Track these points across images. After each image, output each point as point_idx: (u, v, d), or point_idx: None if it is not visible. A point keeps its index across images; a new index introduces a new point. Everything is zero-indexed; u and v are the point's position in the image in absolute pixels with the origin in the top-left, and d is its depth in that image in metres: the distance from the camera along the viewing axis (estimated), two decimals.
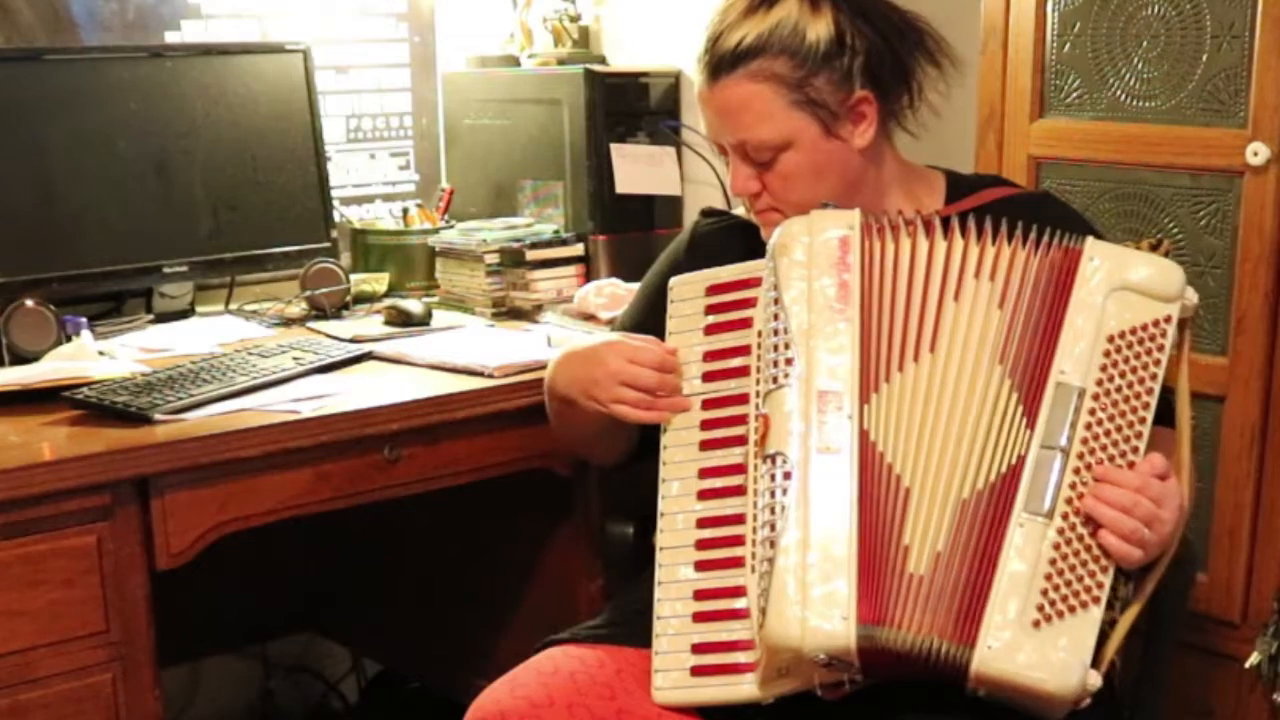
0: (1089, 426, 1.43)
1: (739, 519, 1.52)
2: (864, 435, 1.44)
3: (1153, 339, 1.46)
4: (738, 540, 1.51)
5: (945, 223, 1.53)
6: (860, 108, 1.62)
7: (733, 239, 1.75)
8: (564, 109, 2.53)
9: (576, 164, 2.53)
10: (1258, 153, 1.97)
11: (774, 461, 1.44)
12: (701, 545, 1.54)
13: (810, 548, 1.40)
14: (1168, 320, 1.46)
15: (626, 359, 1.62)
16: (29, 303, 2.09)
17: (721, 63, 1.60)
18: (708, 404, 1.59)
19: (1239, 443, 2.04)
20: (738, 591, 1.49)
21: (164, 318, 2.40)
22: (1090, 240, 1.51)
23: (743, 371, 1.57)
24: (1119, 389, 1.44)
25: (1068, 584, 1.39)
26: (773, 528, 1.42)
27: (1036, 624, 1.37)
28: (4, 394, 1.88)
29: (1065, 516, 1.41)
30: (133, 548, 1.73)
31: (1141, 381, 1.44)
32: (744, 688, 1.47)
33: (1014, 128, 2.26)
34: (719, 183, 2.51)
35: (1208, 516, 2.08)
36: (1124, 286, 1.47)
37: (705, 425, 1.58)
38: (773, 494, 1.43)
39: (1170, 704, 1.82)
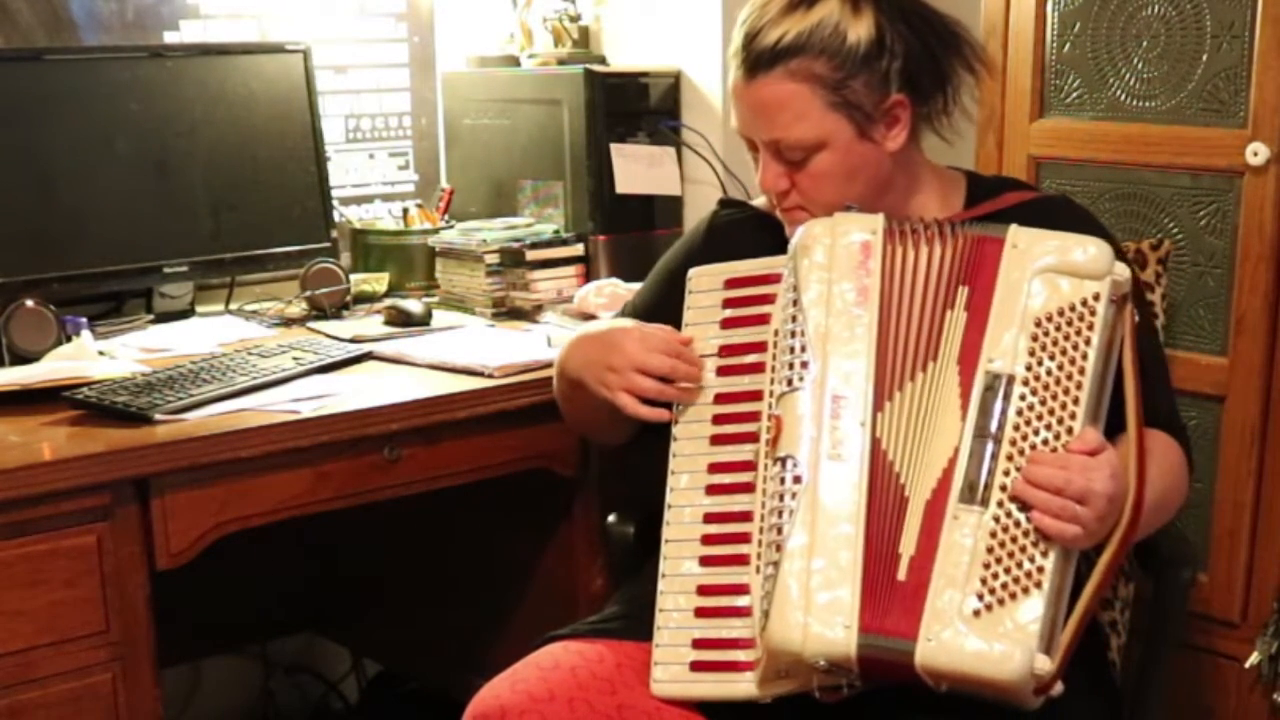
0: (1020, 412, 1.42)
1: (746, 516, 1.51)
2: (876, 443, 1.44)
3: (1081, 318, 1.44)
4: (744, 537, 1.51)
5: (964, 228, 1.53)
6: (895, 111, 1.62)
7: (750, 231, 1.75)
8: (564, 109, 2.53)
9: (576, 164, 2.53)
10: (1258, 153, 1.97)
11: (785, 464, 1.44)
12: (707, 540, 1.54)
13: (816, 553, 1.40)
14: (1096, 298, 1.44)
15: (643, 346, 1.62)
16: (29, 303, 2.09)
17: (760, 60, 1.59)
18: (720, 398, 1.59)
19: (1239, 443, 2.04)
20: (741, 589, 1.50)
21: (164, 318, 2.40)
22: (1013, 227, 1.50)
23: (757, 368, 1.56)
24: (1049, 371, 1.43)
25: (1007, 570, 1.38)
26: (779, 531, 1.42)
27: (977, 613, 1.37)
28: (4, 394, 1.88)
29: (1000, 504, 1.40)
30: (133, 548, 1.73)
31: (1073, 362, 1.43)
32: (742, 686, 1.47)
33: (1014, 128, 2.26)
34: (719, 183, 2.51)
35: (1208, 516, 2.08)
36: (1049, 269, 1.46)
37: (717, 420, 1.58)
38: (781, 497, 1.43)
39: (1170, 704, 1.82)
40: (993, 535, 1.39)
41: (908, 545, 1.42)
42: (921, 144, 1.71)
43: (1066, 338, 1.44)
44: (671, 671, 1.51)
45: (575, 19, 2.75)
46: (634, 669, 1.55)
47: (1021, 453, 1.41)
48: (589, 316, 2.33)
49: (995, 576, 1.38)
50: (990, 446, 1.42)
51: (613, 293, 2.36)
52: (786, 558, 1.40)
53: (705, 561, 1.53)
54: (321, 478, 1.88)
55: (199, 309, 2.47)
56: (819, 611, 1.37)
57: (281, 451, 1.82)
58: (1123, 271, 1.47)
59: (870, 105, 1.60)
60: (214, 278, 2.47)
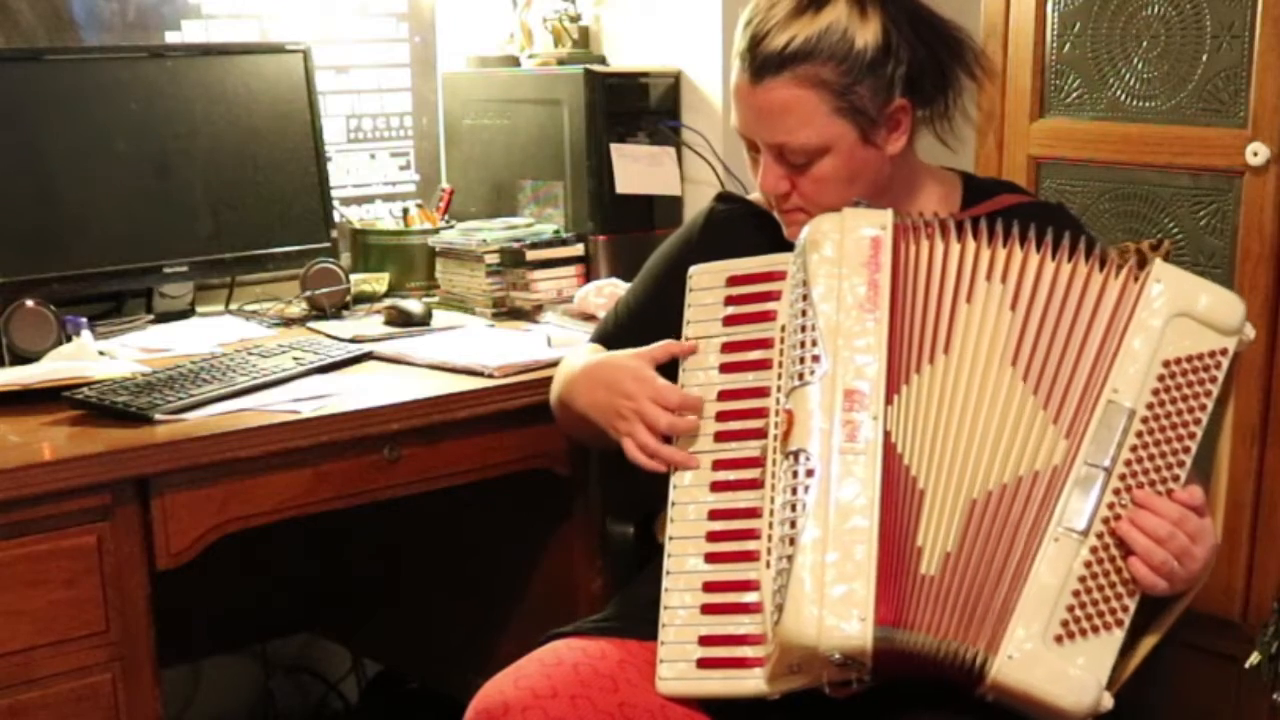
0: (1134, 449, 1.42)
1: (752, 513, 1.51)
2: (887, 436, 1.44)
3: (1207, 369, 1.44)
4: (750, 534, 1.51)
5: (973, 225, 1.52)
6: (897, 116, 1.62)
7: (748, 227, 1.75)
8: (564, 109, 2.53)
9: (576, 164, 2.53)
10: (1258, 153, 1.98)
11: (796, 459, 1.43)
12: (713, 537, 1.53)
13: (830, 547, 1.39)
14: (1224, 353, 1.44)
15: (650, 398, 1.61)
16: (29, 303, 2.09)
17: (767, 63, 1.58)
18: (724, 395, 1.58)
19: (1239, 443, 2.04)
20: (748, 585, 1.49)
21: (164, 318, 2.40)
22: (1158, 263, 1.48)
23: (761, 365, 1.56)
24: (1168, 415, 1.43)
25: (1094, 604, 1.39)
26: (793, 525, 1.41)
27: (1059, 639, 1.37)
28: (4, 394, 1.87)
29: (1100, 536, 1.40)
30: (133, 548, 1.73)
31: (1190, 411, 1.43)
32: (750, 682, 1.47)
33: (1014, 128, 2.26)
34: (719, 183, 2.51)
35: None
36: (1185, 313, 1.45)
37: (721, 417, 1.58)
38: (794, 491, 1.42)
39: (1170, 704, 1.82)
40: (1087, 566, 1.40)
41: (936, 539, 1.42)
42: (917, 146, 1.71)
43: (1190, 385, 1.44)
44: (678, 669, 1.51)
45: (575, 19, 2.75)
46: (636, 666, 1.55)
47: (1128, 489, 1.41)
48: (589, 316, 2.33)
49: (1083, 606, 1.39)
50: (1101, 477, 1.41)
51: (612, 293, 2.35)
52: (800, 551, 1.39)
53: (711, 558, 1.53)
54: (321, 478, 1.88)
55: (199, 309, 2.47)
56: (833, 604, 1.37)
57: (281, 451, 1.82)
58: (1250, 332, 1.47)
59: (874, 110, 1.60)
60: (214, 278, 2.46)
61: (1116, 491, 1.41)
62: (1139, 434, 1.42)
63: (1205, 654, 2.10)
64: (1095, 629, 1.38)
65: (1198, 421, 1.43)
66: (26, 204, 2.21)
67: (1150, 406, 1.43)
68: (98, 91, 2.29)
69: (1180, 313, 1.45)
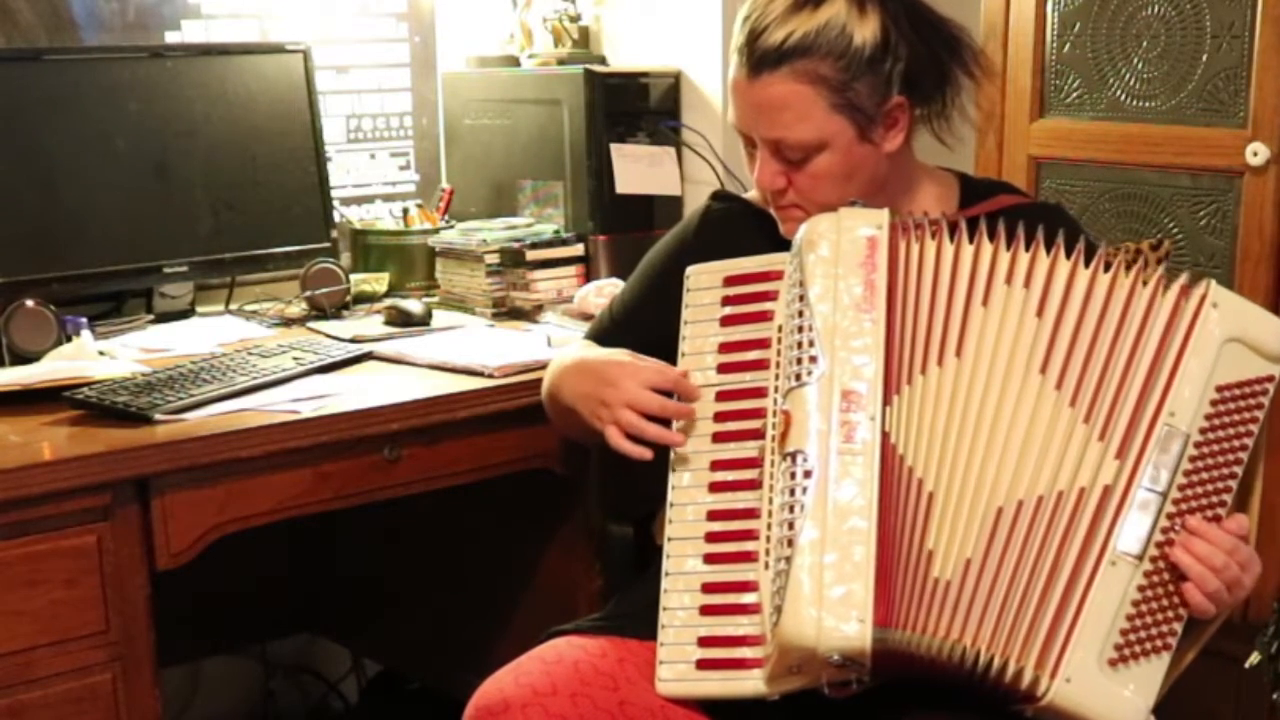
0: (1187, 474, 1.42)
1: (751, 513, 1.51)
2: (885, 437, 1.43)
3: (1254, 396, 1.44)
4: (749, 534, 1.50)
5: (973, 226, 1.52)
6: (895, 113, 1.62)
7: (744, 226, 1.74)
8: (564, 109, 2.53)
9: (576, 164, 2.53)
10: (1258, 153, 1.98)
11: (794, 460, 1.43)
12: (711, 538, 1.53)
13: (828, 548, 1.39)
14: (1270, 380, 1.44)
15: (637, 382, 1.60)
16: (29, 303, 2.09)
17: (765, 58, 1.58)
18: (722, 396, 1.58)
19: None
20: (747, 586, 1.49)
21: (164, 318, 2.40)
22: (1214, 285, 1.47)
23: (759, 365, 1.55)
24: (1219, 440, 1.42)
25: (1146, 628, 1.39)
26: (791, 526, 1.41)
27: (1113, 663, 1.38)
28: (4, 394, 1.88)
29: (1154, 561, 1.40)
30: (133, 548, 1.73)
31: (1238, 437, 1.43)
32: (749, 683, 1.46)
33: (1014, 128, 2.26)
34: (719, 183, 2.51)
35: None
36: (1238, 338, 1.44)
37: (719, 417, 1.57)
38: (792, 492, 1.42)
39: (1170, 704, 1.82)
40: (1141, 590, 1.40)
41: (952, 544, 1.41)
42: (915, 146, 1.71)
43: (1239, 411, 1.43)
44: (677, 670, 1.50)
45: (575, 19, 2.75)
46: (636, 665, 1.55)
47: (1180, 514, 1.41)
48: (589, 316, 2.33)
49: (1135, 631, 1.39)
50: (1157, 501, 1.41)
51: (612, 293, 2.35)
52: (798, 552, 1.39)
53: (710, 559, 1.52)
54: (321, 478, 1.88)
55: (199, 309, 2.47)
56: (832, 605, 1.37)
57: (281, 451, 1.82)
58: None
59: (872, 107, 1.60)
60: (214, 278, 2.47)
61: (1170, 516, 1.41)
62: (1191, 459, 1.42)
63: (1205, 654, 2.09)
64: (1146, 653, 1.39)
65: (1244, 448, 1.43)
66: (26, 204, 2.21)
67: (1203, 431, 1.42)
68: (98, 91, 2.29)
69: (1233, 337, 1.44)
